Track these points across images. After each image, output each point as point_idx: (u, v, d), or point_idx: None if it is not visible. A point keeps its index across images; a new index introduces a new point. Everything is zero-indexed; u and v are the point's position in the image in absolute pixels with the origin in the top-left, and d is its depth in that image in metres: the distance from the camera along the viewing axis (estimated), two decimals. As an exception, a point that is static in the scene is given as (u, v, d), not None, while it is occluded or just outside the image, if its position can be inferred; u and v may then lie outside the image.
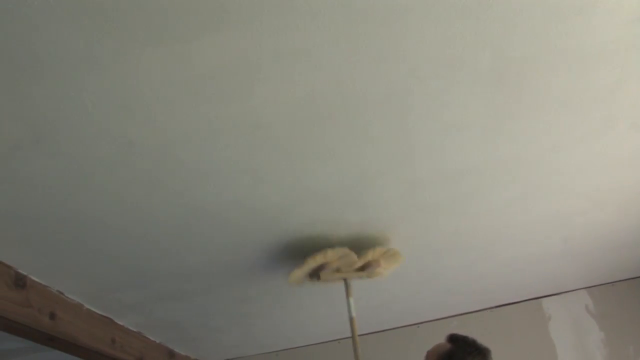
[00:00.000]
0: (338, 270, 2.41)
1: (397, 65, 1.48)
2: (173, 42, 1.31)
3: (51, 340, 2.47)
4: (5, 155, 1.60)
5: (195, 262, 2.35)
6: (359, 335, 3.48)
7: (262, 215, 2.08)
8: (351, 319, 2.33)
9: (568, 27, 1.44)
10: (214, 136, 1.64)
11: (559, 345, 3.26)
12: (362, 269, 2.43)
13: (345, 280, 2.40)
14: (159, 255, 2.27)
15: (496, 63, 1.51)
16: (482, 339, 3.28)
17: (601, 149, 1.98)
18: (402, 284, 2.88)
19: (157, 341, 3.25)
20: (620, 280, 3.30)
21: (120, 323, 2.93)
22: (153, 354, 3.18)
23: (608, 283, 3.31)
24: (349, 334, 3.48)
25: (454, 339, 2.10)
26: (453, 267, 2.77)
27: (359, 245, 2.38)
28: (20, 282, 2.23)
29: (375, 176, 1.94)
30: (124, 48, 1.31)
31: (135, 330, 3.05)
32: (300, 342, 3.57)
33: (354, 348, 2.33)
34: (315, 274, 2.42)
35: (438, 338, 3.38)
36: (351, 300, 2.34)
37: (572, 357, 3.21)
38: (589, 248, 2.79)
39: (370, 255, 2.38)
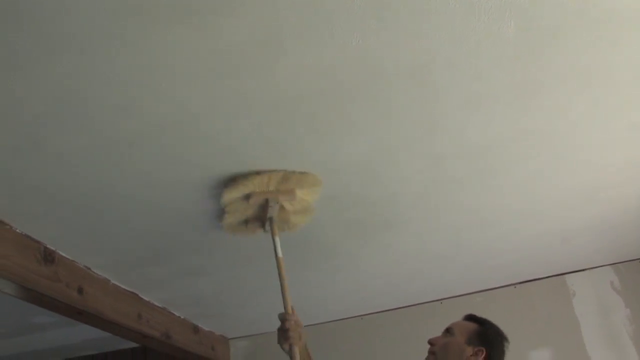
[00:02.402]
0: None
1: (420, 38, 1.46)
2: (199, 16, 1.31)
3: (80, 314, 2.52)
4: (33, 131, 1.63)
5: (220, 238, 2.37)
6: (382, 312, 3.53)
7: (285, 189, 2.08)
8: (277, 259, 2.12)
9: (597, -6, 1.40)
10: (237, 110, 1.64)
11: (583, 321, 3.24)
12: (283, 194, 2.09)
13: (270, 219, 2.15)
14: (183, 230, 2.30)
15: (522, 34, 1.49)
16: (506, 315, 3.29)
17: (630, 121, 1.94)
18: (424, 260, 2.88)
19: (182, 317, 3.30)
20: (646, 257, 3.27)
21: (146, 298, 2.98)
22: (178, 329, 3.23)
23: (635, 259, 3.28)
24: (372, 310, 3.53)
25: (478, 319, 2.10)
26: (476, 243, 2.76)
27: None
28: (49, 257, 2.27)
29: (397, 150, 1.93)
30: (151, 23, 1.31)
31: (160, 305, 3.10)
32: (323, 318, 3.59)
33: (282, 290, 2.11)
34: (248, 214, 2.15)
35: (461, 314, 3.40)
36: (277, 239, 2.15)
37: (597, 334, 3.20)
38: (614, 223, 2.76)
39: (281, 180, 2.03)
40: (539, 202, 2.43)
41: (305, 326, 3.58)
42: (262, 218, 2.20)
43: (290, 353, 1.97)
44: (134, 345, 3.74)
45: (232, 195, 2.03)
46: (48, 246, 2.28)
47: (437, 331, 2.30)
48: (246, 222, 2.22)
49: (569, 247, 2.98)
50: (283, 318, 2.00)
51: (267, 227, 2.20)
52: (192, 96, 1.57)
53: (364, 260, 2.80)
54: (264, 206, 2.12)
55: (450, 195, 2.28)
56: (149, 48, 1.38)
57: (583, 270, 3.32)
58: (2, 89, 1.46)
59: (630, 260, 3.28)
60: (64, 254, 2.37)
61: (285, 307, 2.05)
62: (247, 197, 2.05)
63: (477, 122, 1.84)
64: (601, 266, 3.30)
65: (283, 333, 1.98)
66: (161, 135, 1.71)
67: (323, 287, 3.08)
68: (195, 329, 3.43)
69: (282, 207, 2.14)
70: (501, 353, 2.02)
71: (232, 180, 1.99)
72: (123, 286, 2.78)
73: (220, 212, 2.17)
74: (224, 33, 1.37)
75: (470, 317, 2.12)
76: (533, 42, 1.53)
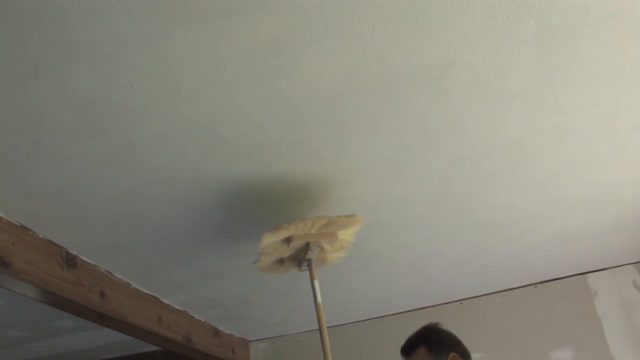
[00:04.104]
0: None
1: (440, 38, 1.46)
2: (217, 19, 1.32)
3: (102, 318, 2.55)
4: (53, 136, 1.65)
5: (240, 240, 2.38)
6: (402, 313, 3.52)
7: (307, 191, 2.09)
8: (317, 305, 2.09)
9: (617, -9, 1.39)
10: (257, 112, 1.65)
11: (605, 321, 3.20)
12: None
13: (308, 261, 2.13)
14: (204, 234, 2.31)
15: (541, 31, 1.48)
16: (527, 316, 3.27)
17: (651, 118, 1.92)
18: (444, 260, 2.87)
19: (202, 320, 3.32)
20: (669, 255, 3.22)
21: (167, 302, 3.00)
22: (198, 332, 3.24)
23: (657, 258, 3.24)
24: (391, 312, 3.52)
25: (417, 340, 2.07)
26: (496, 242, 2.74)
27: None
28: (71, 261, 2.30)
29: (418, 151, 1.93)
30: (168, 27, 1.32)
31: (181, 309, 3.12)
32: (343, 319, 3.59)
33: (322, 339, 2.09)
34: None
35: (481, 314, 3.38)
36: (316, 283, 2.10)
37: (619, 333, 3.16)
38: (635, 222, 2.72)
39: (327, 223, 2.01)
40: (560, 200, 2.41)
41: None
42: (299, 258, 2.17)
43: None
44: (155, 348, 3.78)
45: (272, 239, 2.02)
46: (70, 251, 2.31)
47: (458, 332, 2.29)
48: (282, 261, 2.19)
49: (591, 246, 2.94)
50: None
51: (304, 267, 2.17)
52: (213, 99, 1.57)
53: (384, 261, 2.80)
54: (304, 248, 2.10)
55: (471, 195, 2.27)
56: (168, 52, 1.39)
57: (604, 269, 3.29)
58: (25, 98, 1.48)
59: (653, 259, 3.24)
60: (85, 259, 2.40)
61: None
62: (288, 240, 2.04)
63: (497, 121, 1.83)
64: (623, 265, 3.27)
65: None
66: (182, 138, 1.72)
67: (342, 288, 3.08)
68: (216, 332, 3.45)
69: (321, 248, 2.12)
70: (460, 344, 2.01)
71: (273, 228, 1.98)
72: (144, 290, 2.80)
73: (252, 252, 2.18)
74: (245, 36, 1.38)
75: (409, 345, 2.05)
76: (553, 41, 1.52)
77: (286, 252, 2.13)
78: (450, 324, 3.44)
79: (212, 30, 1.35)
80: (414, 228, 2.49)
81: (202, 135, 1.72)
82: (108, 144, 1.71)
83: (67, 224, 2.12)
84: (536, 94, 1.73)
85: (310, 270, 2.13)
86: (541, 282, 3.37)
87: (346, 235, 2.12)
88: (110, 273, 2.56)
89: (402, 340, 2.12)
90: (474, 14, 1.39)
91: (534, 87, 1.69)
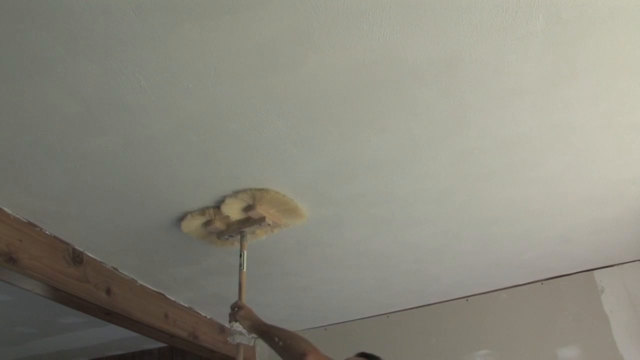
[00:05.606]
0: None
1: (448, 32, 1.45)
2: (224, 14, 1.32)
3: (108, 315, 2.55)
4: (59, 133, 1.65)
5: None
6: (408, 309, 3.51)
7: (311, 188, 2.08)
8: (241, 273, 2.22)
9: (627, -16, 1.38)
10: (265, 109, 1.65)
11: (612, 318, 3.18)
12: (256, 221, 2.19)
13: (242, 232, 2.24)
14: (209, 231, 2.30)
15: (550, 26, 1.47)
16: (533, 312, 3.26)
17: (660, 113, 1.91)
18: (450, 256, 2.86)
19: (208, 316, 3.32)
20: (677, 252, 3.20)
21: (172, 299, 3.00)
22: (204, 329, 3.25)
23: (665, 254, 3.22)
24: (398, 308, 3.52)
25: (369, 356, 2.11)
26: (502, 239, 2.73)
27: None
28: (77, 258, 2.30)
29: (424, 147, 1.92)
30: (177, 22, 1.32)
31: (186, 305, 3.12)
32: (348, 316, 3.59)
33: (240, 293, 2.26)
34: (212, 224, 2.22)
35: (487, 311, 3.38)
36: (245, 253, 2.22)
37: (626, 330, 3.14)
38: (644, 218, 2.71)
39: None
40: (568, 196, 2.39)
41: (330, 325, 3.62)
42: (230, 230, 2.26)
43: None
44: (161, 345, 3.78)
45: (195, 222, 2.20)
46: (76, 247, 2.32)
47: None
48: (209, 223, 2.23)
49: (598, 242, 2.93)
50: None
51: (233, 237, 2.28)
52: (220, 95, 1.57)
53: (390, 258, 2.79)
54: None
55: (477, 192, 2.26)
56: (176, 47, 1.39)
57: (612, 265, 3.27)
58: (31, 95, 1.49)
59: (661, 256, 3.22)
60: (92, 255, 2.41)
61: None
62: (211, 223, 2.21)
63: (504, 117, 1.82)
64: (631, 262, 3.25)
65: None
66: (188, 134, 1.72)
67: (348, 285, 3.08)
68: (222, 329, 3.45)
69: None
70: None
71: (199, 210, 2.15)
72: (150, 287, 2.81)
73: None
74: (253, 31, 1.37)
75: (362, 355, 2.12)
76: (562, 35, 1.51)
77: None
78: (456, 321, 3.44)
79: (218, 26, 1.34)
80: (419, 225, 2.48)
81: (207, 131, 1.72)
82: (114, 140, 1.71)
83: (73, 220, 2.13)
84: (543, 89, 1.71)
85: (241, 240, 2.25)
86: (547, 279, 3.35)
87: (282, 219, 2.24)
88: (116, 270, 2.56)
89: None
90: (482, 8, 1.38)
91: (541, 82, 1.68)
